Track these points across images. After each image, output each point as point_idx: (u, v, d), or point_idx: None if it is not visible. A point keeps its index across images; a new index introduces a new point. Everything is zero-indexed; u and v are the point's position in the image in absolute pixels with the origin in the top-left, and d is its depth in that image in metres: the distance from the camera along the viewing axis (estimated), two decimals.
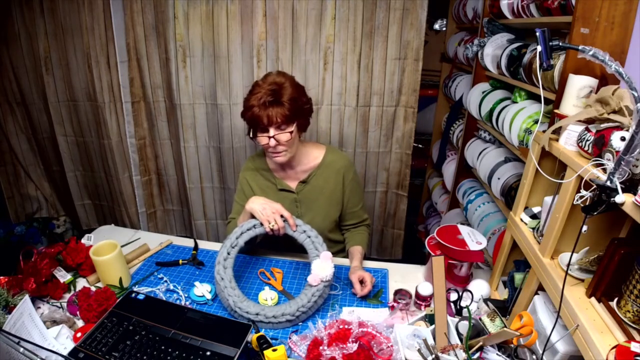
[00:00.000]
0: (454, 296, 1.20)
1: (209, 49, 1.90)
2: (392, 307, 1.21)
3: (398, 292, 1.27)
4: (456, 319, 1.05)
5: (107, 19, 1.88)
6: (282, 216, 1.26)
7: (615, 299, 0.81)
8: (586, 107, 0.93)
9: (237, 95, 1.97)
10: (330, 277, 1.19)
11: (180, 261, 1.47)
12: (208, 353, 0.96)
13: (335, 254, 1.57)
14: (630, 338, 0.73)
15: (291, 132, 1.27)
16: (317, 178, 1.42)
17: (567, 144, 0.95)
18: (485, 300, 1.16)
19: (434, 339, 1.02)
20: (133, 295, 1.15)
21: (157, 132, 2.16)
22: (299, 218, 1.32)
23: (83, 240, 1.44)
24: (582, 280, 0.91)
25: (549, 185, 1.10)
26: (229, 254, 1.24)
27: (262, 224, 1.25)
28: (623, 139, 0.76)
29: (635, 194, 0.68)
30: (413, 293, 1.26)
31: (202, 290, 1.29)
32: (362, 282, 1.30)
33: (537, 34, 0.87)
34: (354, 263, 1.39)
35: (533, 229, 1.11)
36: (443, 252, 1.29)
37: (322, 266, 1.20)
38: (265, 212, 1.24)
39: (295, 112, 1.27)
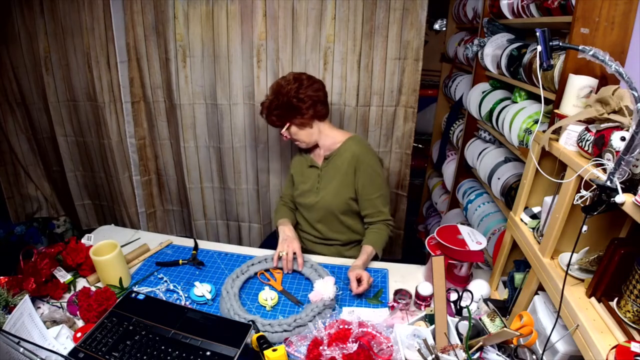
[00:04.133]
0: (454, 296, 1.20)
1: (209, 49, 1.90)
2: (392, 307, 1.21)
3: (398, 292, 1.27)
4: (456, 319, 1.05)
5: (107, 19, 1.88)
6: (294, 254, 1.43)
7: (615, 299, 0.81)
8: (586, 107, 0.93)
9: (237, 95, 1.97)
10: (332, 296, 1.20)
11: (180, 261, 1.47)
12: (208, 353, 0.96)
13: (346, 244, 1.62)
14: (630, 338, 0.73)
15: (288, 130, 1.51)
16: (336, 158, 1.54)
17: (567, 144, 0.95)
18: (485, 300, 1.16)
19: (434, 339, 1.02)
20: (133, 295, 1.15)
21: (157, 132, 2.16)
22: (318, 192, 1.55)
23: (83, 240, 1.44)
24: (582, 280, 0.91)
25: (549, 185, 1.10)
26: (239, 275, 1.36)
27: (272, 259, 1.44)
28: (623, 139, 0.76)
29: (635, 194, 0.68)
30: (413, 293, 1.27)
31: (202, 290, 1.29)
32: (359, 281, 1.31)
33: (537, 34, 0.87)
34: (356, 261, 1.40)
35: (533, 229, 1.11)
36: (443, 252, 1.29)
37: (325, 285, 1.20)
38: (283, 243, 1.46)
39: (281, 117, 1.49)
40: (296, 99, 1.44)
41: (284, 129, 1.50)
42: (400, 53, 1.87)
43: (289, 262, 1.41)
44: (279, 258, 1.42)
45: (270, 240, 1.97)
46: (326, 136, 1.55)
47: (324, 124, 1.54)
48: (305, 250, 1.64)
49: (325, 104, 1.52)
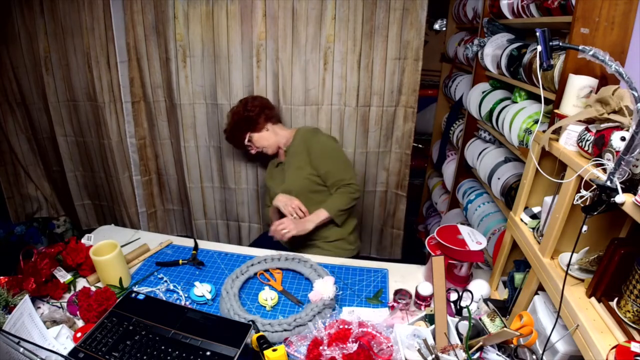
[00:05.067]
0: (454, 296, 1.20)
1: (209, 49, 1.90)
2: (392, 307, 1.21)
3: (398, 292, 1.27)
4: (456, 319, 1.05)
5: (107, 19, 1.88)
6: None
7: (615, 299, 0.81)
8: (586, 107, 0.93)
9: (237, 95, 1.97)
10: (331, 296, 1.20)
11: (180, 261, 1.47)
12: (208, 353, 0.96)
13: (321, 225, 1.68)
14: (630, 338, 0.73)
15: (251, 141, 1.75)
16: (292, 147, 1.74)
17: (567, 144, 0.95)
18: (485, 300, 1.16)
19: (434, 339, 1.02)
20: (133, 295, 1.15)
21: (157, 131, 2.16)
22: (284, 180, 1.70)
23: (83, 240, 1.44)
24: (582, 280, 0.91)
25: (549, 185, 1.10)
26: (239, 275, 1.35)
27: (272, 259, 1.45)
28: (623, 139, 0.76)
29: (635, 194, 0.68)
30: (413, 293, 1.27)
31: (202, 290, 1.29)
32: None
33: (537, 34, 0.87)
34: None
35: (533, 229, 1.11)
36: (443, 252, 1.29)
37: (325, 285, 1.20)
38: (287, 207, 1.61)
39: (241, 131, 1.73)
40: (246, 112, 1.72)
41: (246, 140, 1.74)
42: (400, 53, 1.87)
43: (299, 216, 1.58)
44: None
45: (261, 240, 1.98)
46: (282, 136, 1.78)
47: (277, 126, 1.78)
48: (292, 244, 1.72)
49: (272, 109, 1.80)
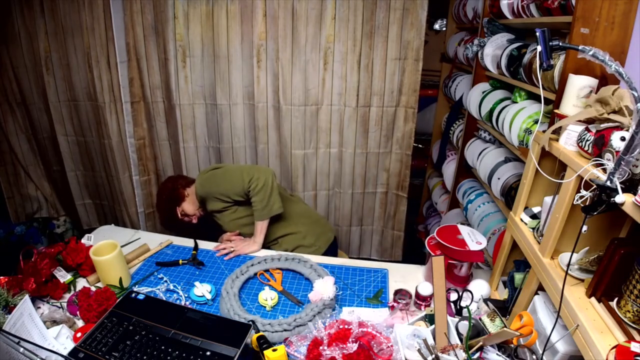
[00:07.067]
0: (454, 296, 1.20)
1: (208, 49, 1.90)
2: (392, 307, 1.21)
3: (398, 292, 1.27)
4: (456, 319, 1.05)
5: (107, 19, 1.88)
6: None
7: (615, 299, 0.81)
8: (586, 107, 0.93)
9: (237, 95, 1.97)
10: (331, 296, 1.20)
11: (180, 261, 1.47)
12: (208, 353, 0.96)
13: (275, 239, 1.71)
14: (630, 338, 0.73)
15: (184, 212, 1.71)
16: (203, 201, 1.71)
17: (567, 144, 0.95)
18: (485, 300, 1.16)
19: (434, 339, 1.02)
20: (133, 295, 1.15)
21: (155, 132, 2.16)
22: (224, 227, 1.72)
23: (83, 240, 1.44)
24: (582, 280, 0.91)
25: (549, 185, 1.10)
26: (239, 275, 1.36)
27: (272, 259, 1.47)
28: (623, 139, 0.76)
29: (635, 194, 0.68)
30: (413, 293, 1.27)
31: (202, 290, 1.29)
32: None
33: (537, 34, 0.87)
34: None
35: (533, 229, 1.11)
36: (443, 252, 1.29)
37: (325, 285, 1.21)
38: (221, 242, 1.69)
39: (172, 207, 1.70)
40: (164, 195, 1.72)
41: (181, 216, 1.72)
42: (401, 53, 1.87)
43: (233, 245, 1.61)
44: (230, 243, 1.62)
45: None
46: (194, 199, 1.73)
47: (191, 189, 1.72)
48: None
49: (181, 177, 1.81)
